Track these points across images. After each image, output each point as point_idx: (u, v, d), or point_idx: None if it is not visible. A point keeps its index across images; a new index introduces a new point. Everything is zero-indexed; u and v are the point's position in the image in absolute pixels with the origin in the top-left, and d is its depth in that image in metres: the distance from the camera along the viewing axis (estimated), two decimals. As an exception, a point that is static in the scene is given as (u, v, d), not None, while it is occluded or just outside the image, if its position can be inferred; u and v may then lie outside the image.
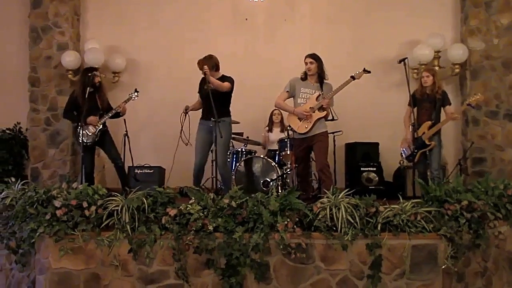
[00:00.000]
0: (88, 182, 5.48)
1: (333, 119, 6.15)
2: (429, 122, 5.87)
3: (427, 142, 5.83)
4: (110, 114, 5.96)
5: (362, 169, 6.97)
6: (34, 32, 7.45)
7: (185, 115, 5.92)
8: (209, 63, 5.68)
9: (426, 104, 5.93)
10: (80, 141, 5.81)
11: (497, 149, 7.26)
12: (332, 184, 5.08)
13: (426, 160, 5.95)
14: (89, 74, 5.81)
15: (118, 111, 6.00)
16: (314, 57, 5.51)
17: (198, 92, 5.93)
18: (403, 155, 6.13)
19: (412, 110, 5.94)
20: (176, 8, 7.81)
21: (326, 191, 4.35)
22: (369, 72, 5.44)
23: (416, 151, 5.80)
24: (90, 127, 5.89)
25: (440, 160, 6.02)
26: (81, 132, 5.79)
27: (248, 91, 7.60)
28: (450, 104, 6.01)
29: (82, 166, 5.86)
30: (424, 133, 5.87)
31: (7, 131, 7.59)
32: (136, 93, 6.12)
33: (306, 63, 5.51)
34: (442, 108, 6.01)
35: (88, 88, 5.71)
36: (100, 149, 6.30)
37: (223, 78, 5.77)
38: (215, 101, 5.47)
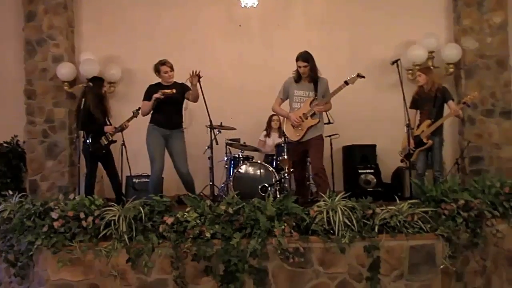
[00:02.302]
0: (90, 193, 5.55)
1: (329, 123, 6.17)
2: (429, 121, 5.87)
3: (424, 141, 5.85)
4: (118, 130, 6.06)
5: (360, 171, 6.99)
6: (29, 45, 7.47)
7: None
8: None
9: (427, 103, 5.94)
10: (91, 150, 5.90)
11: (494, 147, 7.28)
12: (328, 187, 5.07)
13: (427, 160, 5.97)
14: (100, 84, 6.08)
15: (123, 128, 6.11)
16: (306, 58, 5.35)
17: (148, 99, 5.77)
18: (402, 154, 6.16)
19: (416, 112, 6.03)
20: (170, 17, 7.82)
21: (322, 194, 4.35)
22: (363, 77, 5.42)
23: (413, 149, 5.82)
24: (103, 138, 5.96)
25: (441, 160, 6.03)
26: (88, 141, 5.90)
27: (245, 97, 7.64)
28: (452, 99, 5.99)
29: (87, 175, 5.97)
30: (423, 131, 5.89)
31: (5, 144, 7.60)
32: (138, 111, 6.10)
33: (299, 67, 5.38)
34: (445, 105, 5.98)
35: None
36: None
37: (178, 84, 5.81)
38: (177, 109, 5.77)
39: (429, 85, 5.91)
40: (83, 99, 5.97)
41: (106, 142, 6.01)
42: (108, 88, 7.58)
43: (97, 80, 6.17)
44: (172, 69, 5.81)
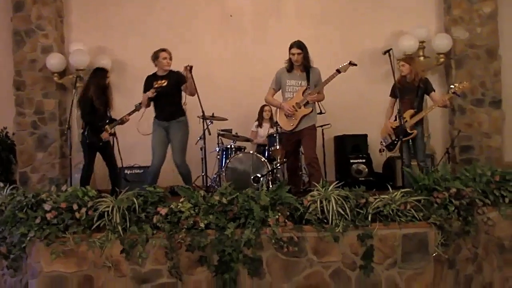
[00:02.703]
0: (85, 184, 5.53)
1: (321, 113, 6.18)
2: (412, 111, 5.72)
3: (409, 131, 5.67)
4: (118, 122, 5.99)
5: (351, 161, 7.03)
6: (18, 35, 7.40)
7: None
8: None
9: (408, 93, 5.77)
10: (88, 141, 5.86)
11: (484, 136, 7.37)
12: (321, 177, 5.08)
13: (409, 150, 5.82)
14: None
15: (124, 122, 6.03)
16: (301, 46, 5.36)
17: (145, 91, 5.77)
18: (384, 144, 6.00)
19: (395, 101, 5.83)
20: (161, 8, 7.79)
21: (316, 184, 4.36)
22: (355, 64, 5.43)
23: (397, 140, 5.75)
24: (104, 135, 5.92)
25: (425, 150, 5.97)
26: (86, 132, 5.84)
27: (237, 89, 7.65)
28: (434, 90, 5.86)
29: (85, 166, 5.94)
30: (406, 121, 5.67)
31: (-6, 136, 7.55)
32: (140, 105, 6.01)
33: (293, 54, 5.36)
34: (426, 96, 5.90)
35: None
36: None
37: (173, 73, 5.78)
38: (171, 100, 5.66)
39: (412, 75, 5.77)
40: (86, 89, 5.92)
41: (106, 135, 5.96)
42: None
43: (101, 71, 6.09)
44: (171, 57, 5.76)
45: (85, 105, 5.87)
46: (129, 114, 6.00)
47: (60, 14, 7.64)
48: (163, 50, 5.76)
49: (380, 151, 6.21)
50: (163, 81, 5.62)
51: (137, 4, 7.74)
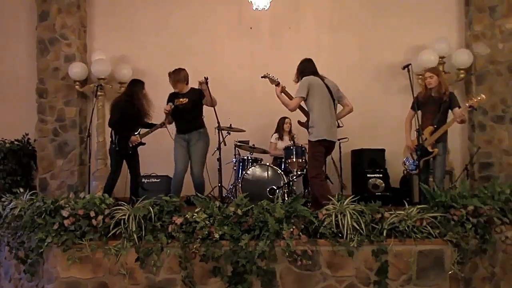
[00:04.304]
0: (110, 190, 5.87)
1: (338, 126, 6.15)
2: (431, 127, 5.40)
3: (429, 150, 5.38)
4: (153, 129, 6.24)
5: (368, 175, 6.95)
6: (42, 44, 7.56)
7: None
8: (179, 76, 5.94)
9: (431, 107, 5.44)
10: (117, 148, 6.09)
11: (504, 153, 7.25)
12: (323, 195, 4.81)
13: (428, 167, 5.51)
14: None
15: (162, 127, 6.20)
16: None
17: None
18: (406, 164, 5.78)
19: (415, 114, 5.40)
20: (182, 18, 7.88)
21: (331, 197, 4.34)
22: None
23: (418, 160, 5.38)
24: (133, 138, 6.16)
25: (444, 170, 5.60)
26: (116, 140, 6.08)
27: (254, 100, 7.66)
28: (459, 106, 5.46)
29: (111, 174, 6.20)
30: (426, 139, 5.37)
31: (16, 142, 7.66)
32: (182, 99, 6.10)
33: None
34: (450, 111, 5.52)
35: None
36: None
37: (194, 91, 6.01)
38: (192, 115, 5.93)
39: (442, 88, 5.43)
40: (123, 97, 6.17)
41: (133, 145, 6.19)
42: (119, 88, 7.63)
43: (139, 82, 6.31)
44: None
45: (116, 112, 6.05)
46: (145, 134, 6.26)
47: (83, 24, 7.78)
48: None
49: (404, 172, 6.15)
50: (184, 99, 5.91)
51: (157, 14, 7.84)
